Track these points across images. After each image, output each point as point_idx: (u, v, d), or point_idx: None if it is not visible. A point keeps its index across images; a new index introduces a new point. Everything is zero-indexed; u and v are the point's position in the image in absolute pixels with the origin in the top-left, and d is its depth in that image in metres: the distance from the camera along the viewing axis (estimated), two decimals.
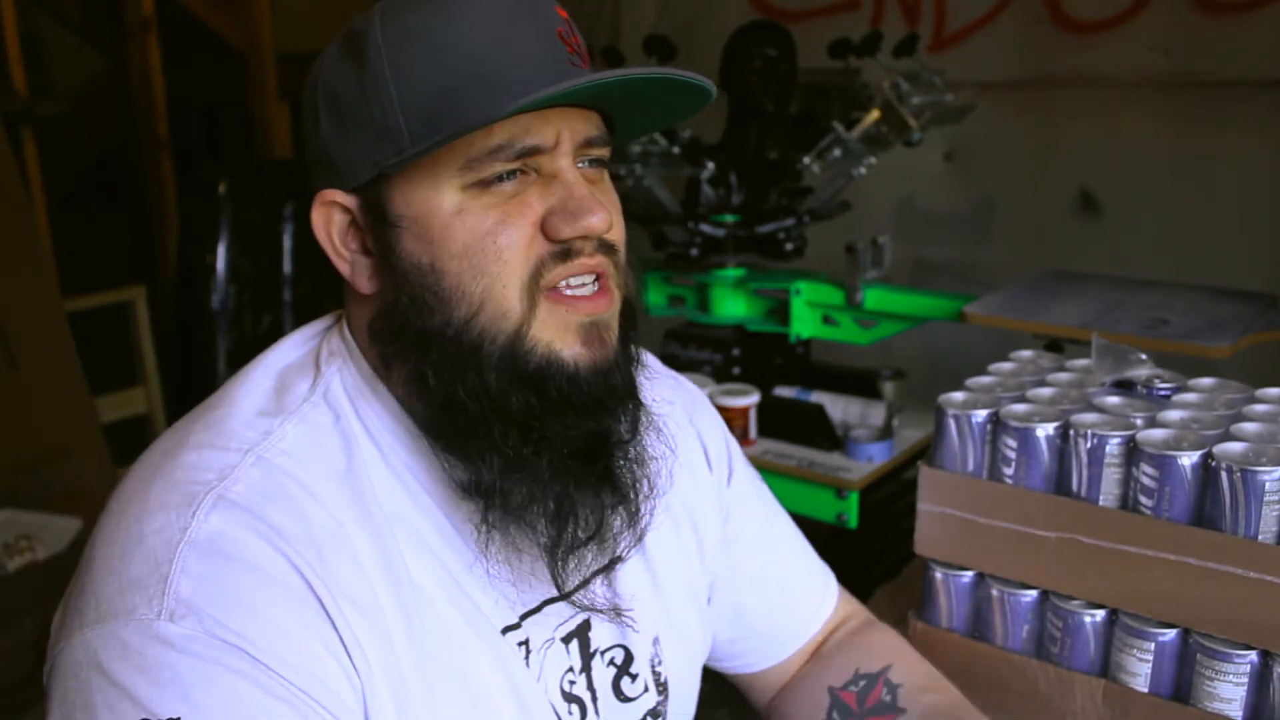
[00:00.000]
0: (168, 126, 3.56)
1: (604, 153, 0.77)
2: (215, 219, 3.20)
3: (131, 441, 3.30)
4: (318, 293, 3.37)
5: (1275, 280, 2.35)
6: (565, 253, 0.72)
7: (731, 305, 2.35)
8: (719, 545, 0.98)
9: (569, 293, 0.73)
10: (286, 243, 3.32)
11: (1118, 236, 2.82)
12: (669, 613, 0.91)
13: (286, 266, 3.33)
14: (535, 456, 0.72)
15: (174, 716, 0.62)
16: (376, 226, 0.73)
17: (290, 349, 0.82)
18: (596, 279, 0.74)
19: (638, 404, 0.78)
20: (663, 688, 0.90)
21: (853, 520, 2.04)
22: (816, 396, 2.24)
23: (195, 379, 3.28)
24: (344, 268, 0.76)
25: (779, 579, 1.03)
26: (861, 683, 0.97)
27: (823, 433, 2.16)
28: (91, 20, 3.82)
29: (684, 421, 0.97)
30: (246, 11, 3.59)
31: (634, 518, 0.78)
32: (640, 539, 0.81)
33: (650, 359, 0.91)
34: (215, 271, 3.20)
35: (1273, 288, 1.99)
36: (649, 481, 0.79)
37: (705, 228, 2.29)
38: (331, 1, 3.88)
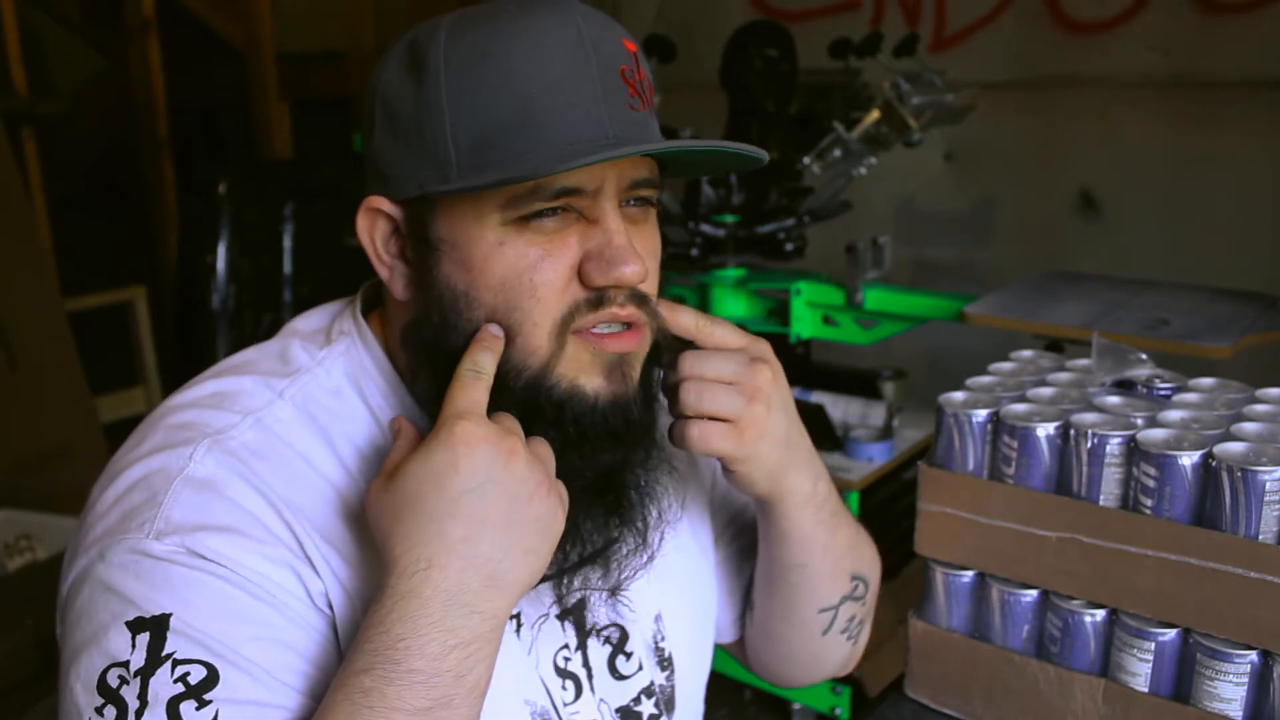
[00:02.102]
0: (168, 126, 3.56)
1: (651, 193, 0.77)
2: (215, 219, 3.20)
3: None
4: (318, 293, 3.36)
5: (1275, 280, 2.35)
6: (598, 300, 0.73)
7: (732, 306, 2.36)
8: (710, 511, 1.00)
9: (597, 331, 0.74)
10: (286, 243, 3.32)
11: (1118, 236, 2.82)
12: (675, 586, 0.92)
13: (286, 266, 3.33)
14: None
15: (166, 612, 0.66)
16: (417, 242, 0.74)
17: (309, 319, 0.85)
18: (627, 324, 0.75)
19: (653, 441, 0.80)
20: (667, 663, 0.91)
21: None
22: (817, 396, 2.25)
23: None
24: (383, 271, 0.77)
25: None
26: None
27: (823, 433, 2.16)
28: (91, 20, 3.82)
29: None
30: (246, 11, 3.59)
31: (640, 546, 0.80)
32: (648, 562, 0.82)
33: None
34: (215, 271, 3.21)
35: (1273, 288, 1.99)
36: (658, 513, 0.81)
37: (705, 228, 2.29)
38: (331, 1, 3.89)
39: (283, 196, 3.31)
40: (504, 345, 0.72)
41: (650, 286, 0.77)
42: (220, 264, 3.21)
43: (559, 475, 0.73)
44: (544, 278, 0.72)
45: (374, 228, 0.77)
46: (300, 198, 3.33)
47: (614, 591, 0.83)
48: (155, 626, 0.66)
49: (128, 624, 0.66)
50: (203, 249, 3.21)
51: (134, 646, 0.65)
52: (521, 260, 0.71)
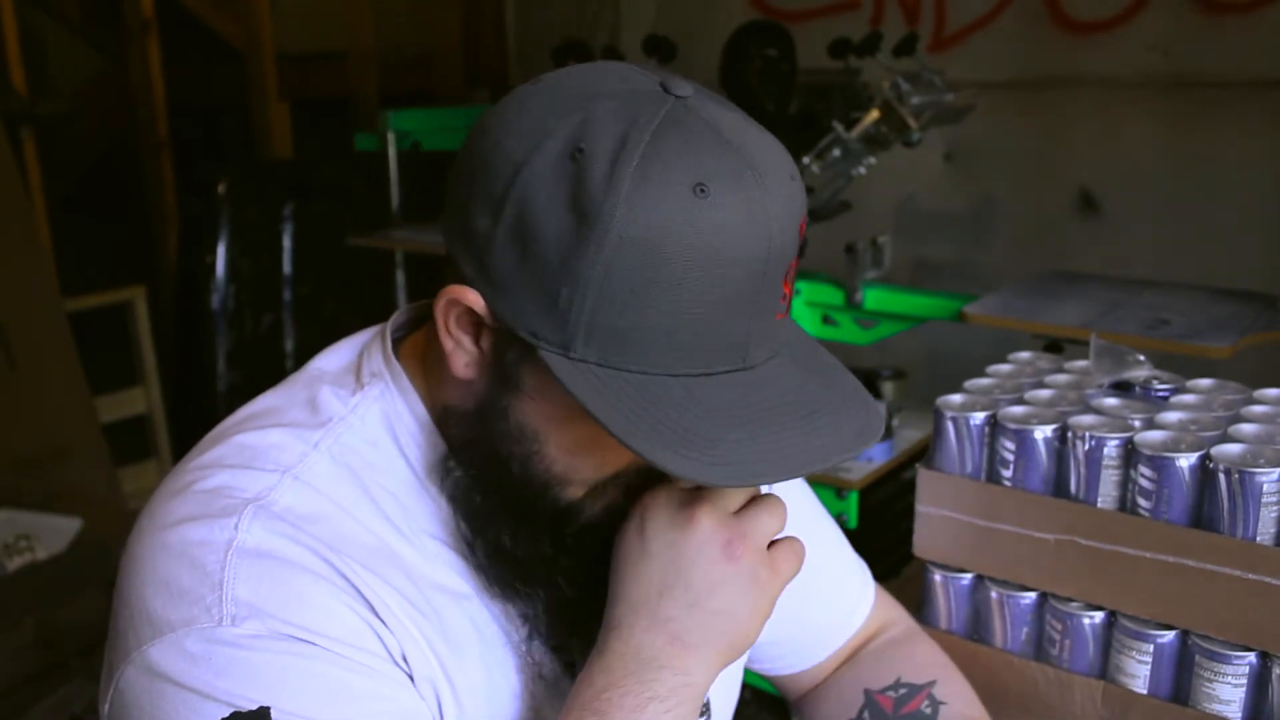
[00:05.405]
0: (168, 126, 3.56)
1: None
2: (215, 219, 3.20)
3: (131, 441, 3.30)
4: (318, 293, 3.37)
5: (1275, 280, 2.34)
6: (653, 473, 0.71)
7: None
8: None
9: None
10: (286, 243, 3.32)
11: (1118, 236, 2.82)
12: None
13: (286, 266, 3.34)
14: (582, 588, 0.74)
15: (264, 705, 0.62)
16: (498, 362, 0.68)
17: (334, 357, 0.80)
18: None
19: None
20: (705, 708, 0.88)
21: (853, 520, 2.04)
22: None
23: (195, 379, 3.29)
24: (447, 344, 0.69)
25: (818, 583, 1.00)
26: (902, 690, 0.96)
27: None
28: (91, 20, 3.82)
29: None
30: (246, 11, 3.59)
31: None
32: None
33: None
34: (215, 271, 3.21)
35: (1273, 288, 1.99)
36: None
37: None
38: (331, 1, 3.89)
39: (283, 196, 3.31)
40: (555, 489, 0.71)
41: None
42: (220, 264, 3.21)
43: (586, 582, 0.73)
44: (615, 455, 0.69)
45: (452, 305, 0.68)
46: (300, 198, 3.32)
47: None
48: None
49: None
50: (203, 249, 3.21)
51: None
52: (599, 435, 0.64)
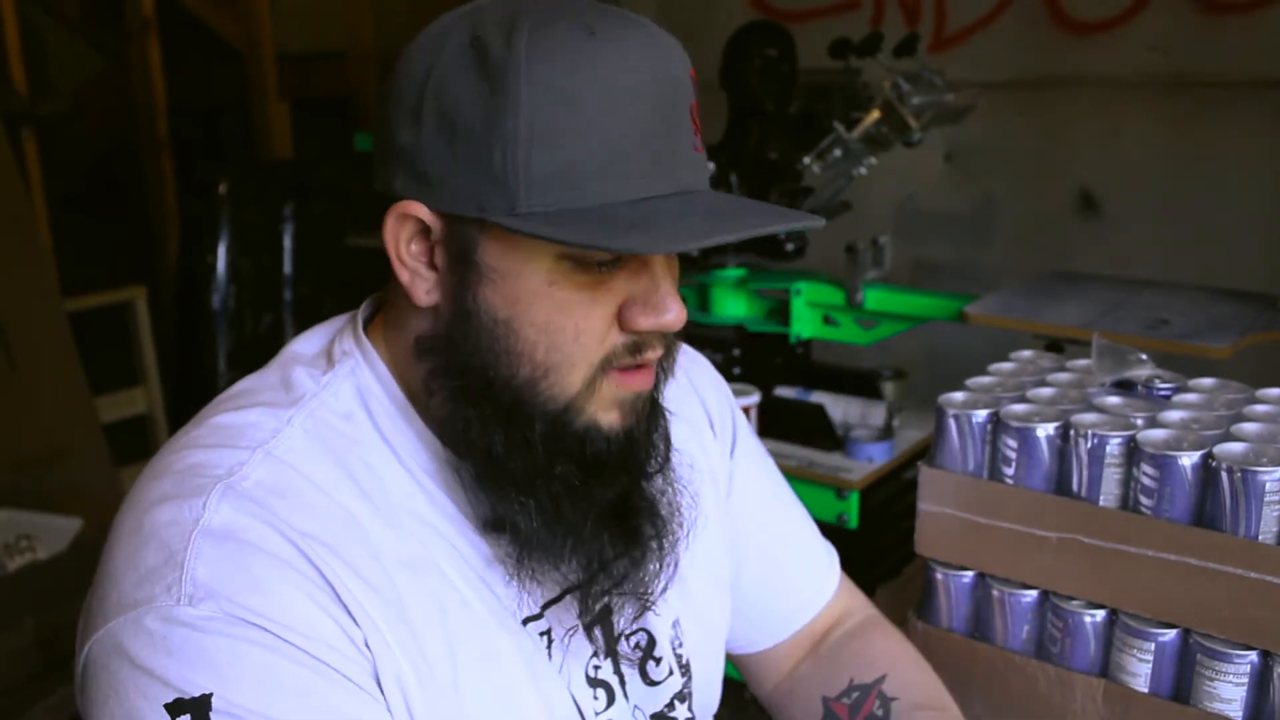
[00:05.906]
0: (168, 126, 3.56)
1: None
2: (215, 219, 3.20)
3: (131, 441, 3.30)
4: (318, 293, 3.37)
5: (1275, 280, 2.35)
6: (636, 346, 0.72)
7: (732, 305, 2.35)
8: (722, 517, 0.98)
9: (621, 370, 0.73)
10: (286, 243, 3.32)
11: (1118, 236, 2.82)
12: (687, 594, 0.91)
13: (286, 266, 3.34)
14: (572, 512, 0.74)
15: (206, 692, 0.63)
16: (456, 260, 0.71)
17: (307, 342, 0.83)
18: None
19: (662, 450, 0.80)
20: (685, 669, 0.90)
21: (853, 520, 2.04)
22: (817, 397, 2.24)
23: (195, 379, 3.29)
24: (404, 275, 0.73)
25: (777, 558, 1.02)
26: (855, 694, 0.97)
27: (823, 433, 2.15)
28: (91, 20, 3.83)
29: (685, 384, 0.97)
30: (246, 11, 3.59)
31: (660, 562, 0.79)
32: (673, 573, 0.81)
33: None
34: (215, 271, 3.21)
35: (1273, 288, 1.99)
36: (673, 526, 0.80)
37: None
38: (331, 1, 3.89)
39: (283, 196, 3.31)
40: (539, 380, 0.71)
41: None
42: (220, 264, 3.21)
43: (578, 504, 0.73)
44: (589, 323, 0.70)
45: (400, 229, 0.72)
46: (300, 198, 3.32)
47: (643, 605, 0.81)
48: (196, 708, 0.63)
49: (166, 707, 0.63)
50: (203, 249, 3.21)
51: None
52: (569, 302, 0.69)
